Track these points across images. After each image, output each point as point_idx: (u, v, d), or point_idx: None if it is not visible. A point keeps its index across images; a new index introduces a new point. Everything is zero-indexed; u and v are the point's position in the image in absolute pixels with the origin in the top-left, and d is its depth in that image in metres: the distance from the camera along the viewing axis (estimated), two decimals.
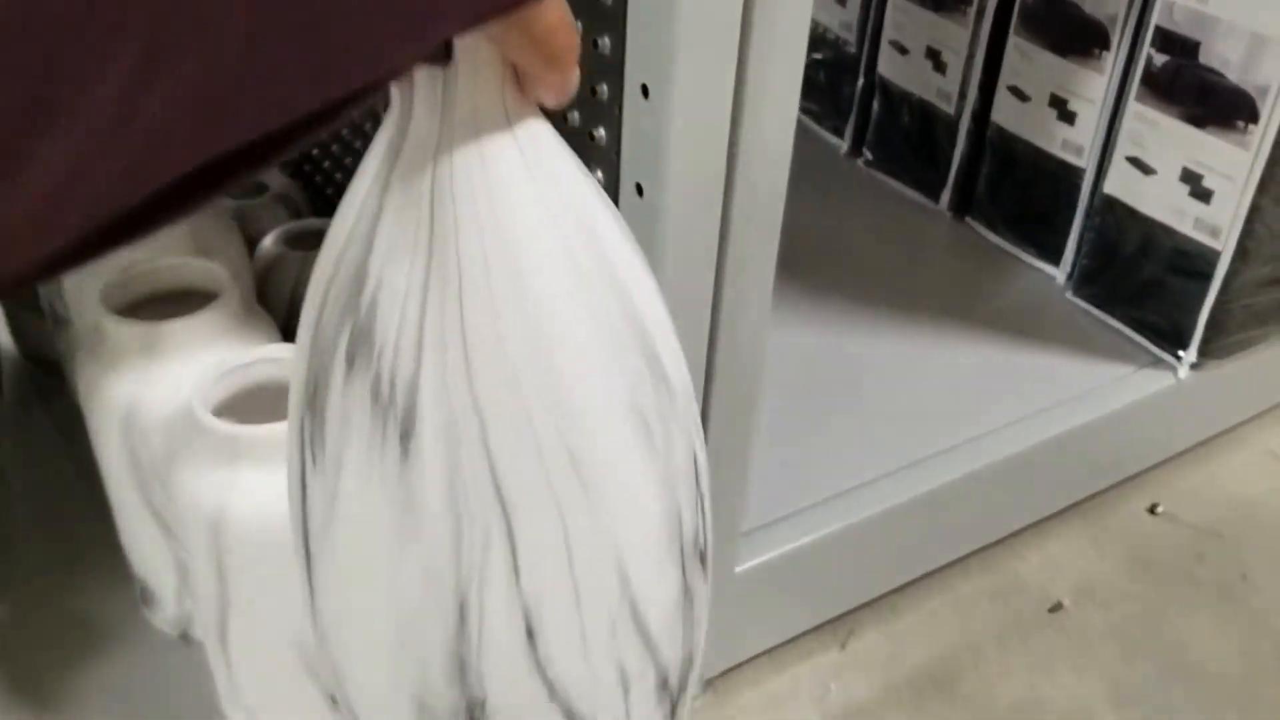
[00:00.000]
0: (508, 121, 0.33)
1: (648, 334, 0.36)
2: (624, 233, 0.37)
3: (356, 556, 0.37)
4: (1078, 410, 0.97)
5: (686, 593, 0.39)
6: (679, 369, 0.39)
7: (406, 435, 0.33)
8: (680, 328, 0.60)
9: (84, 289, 0.71)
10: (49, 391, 0.93)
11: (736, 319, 0.63)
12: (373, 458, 0.33)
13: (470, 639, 0.35)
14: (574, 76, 0.33)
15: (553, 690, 0.37)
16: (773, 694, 0.86)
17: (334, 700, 0.62)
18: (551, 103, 0.34)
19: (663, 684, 0.40)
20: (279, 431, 0.54)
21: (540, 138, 0.34)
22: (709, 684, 0.86)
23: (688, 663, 0.42)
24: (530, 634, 0.35)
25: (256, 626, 0.58)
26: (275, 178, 0.99)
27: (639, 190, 0.57)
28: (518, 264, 0.32)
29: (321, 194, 1.05)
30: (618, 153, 0.58)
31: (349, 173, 0.97)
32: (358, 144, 0.94)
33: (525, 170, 0.33)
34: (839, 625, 0.92)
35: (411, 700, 0.38)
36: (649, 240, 0.57)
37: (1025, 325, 1.07)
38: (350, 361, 0.33)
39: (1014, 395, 0.97)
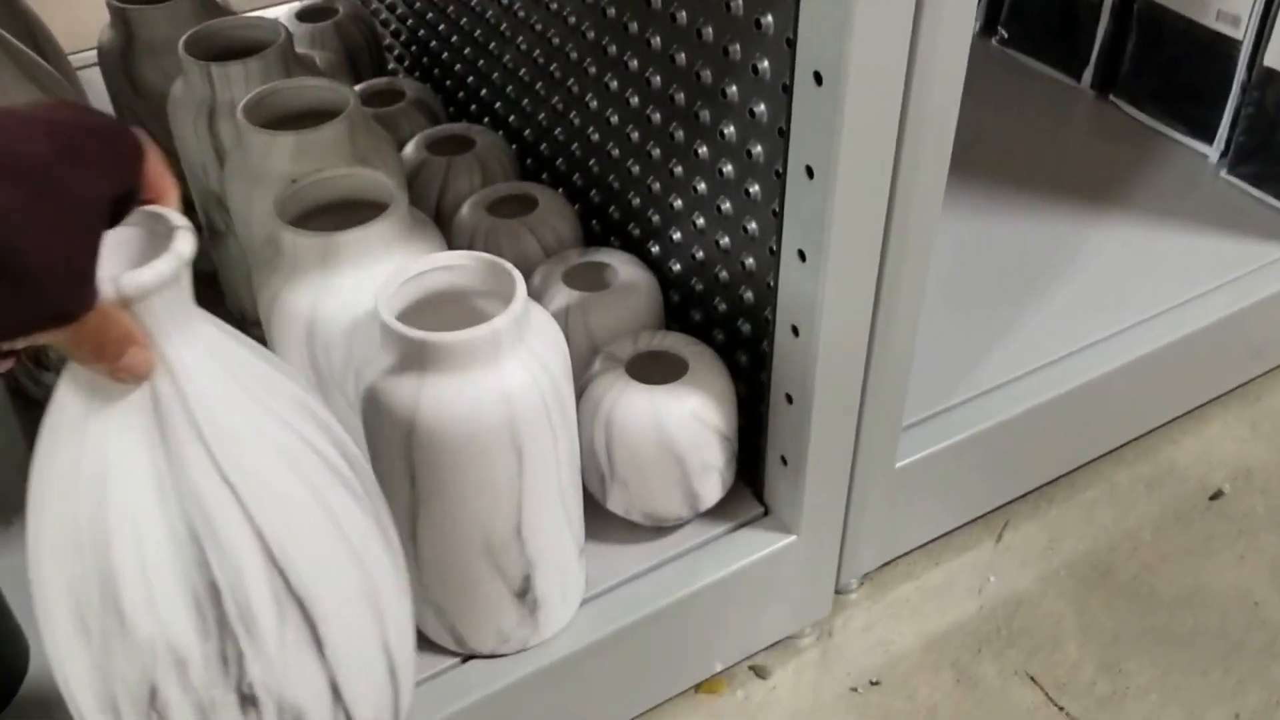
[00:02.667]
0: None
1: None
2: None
3: None
4: (1235, 294, 0.94)
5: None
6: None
7: None
8: (855, 219, 0.59)
9: (251, 201, 0.72)
10: (204, 303, 0.95)
11: (910, 213, 0.61)
12: None
13: None
14: (130, 363, 0.38)
15: None
16: (930, 586, 0.86)
17: (521, 596, 0.64)
18: (129, 381, 0.40)
19: None
20: (469, 338, 0.54)
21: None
22: (865, 578, 0.87)
23: None
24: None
25: (446, 526, 0.60)
26: (410, 84, 0.98)
27: (817, 79, 0.55)
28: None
29: (454, 98, 1.05)
30: (791, 40, 0.56)
31: (481, 76, 0.97)
32: (491, 46, 0.93)
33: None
34: (994, 518, 0.91)
35: None
36: (828, 130, 0.55)
37: (1177, 206, 1.03)
38: None
39: (1168, 280, 0.94)
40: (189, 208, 0.91)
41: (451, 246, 0.82)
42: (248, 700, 0.44)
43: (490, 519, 0.60)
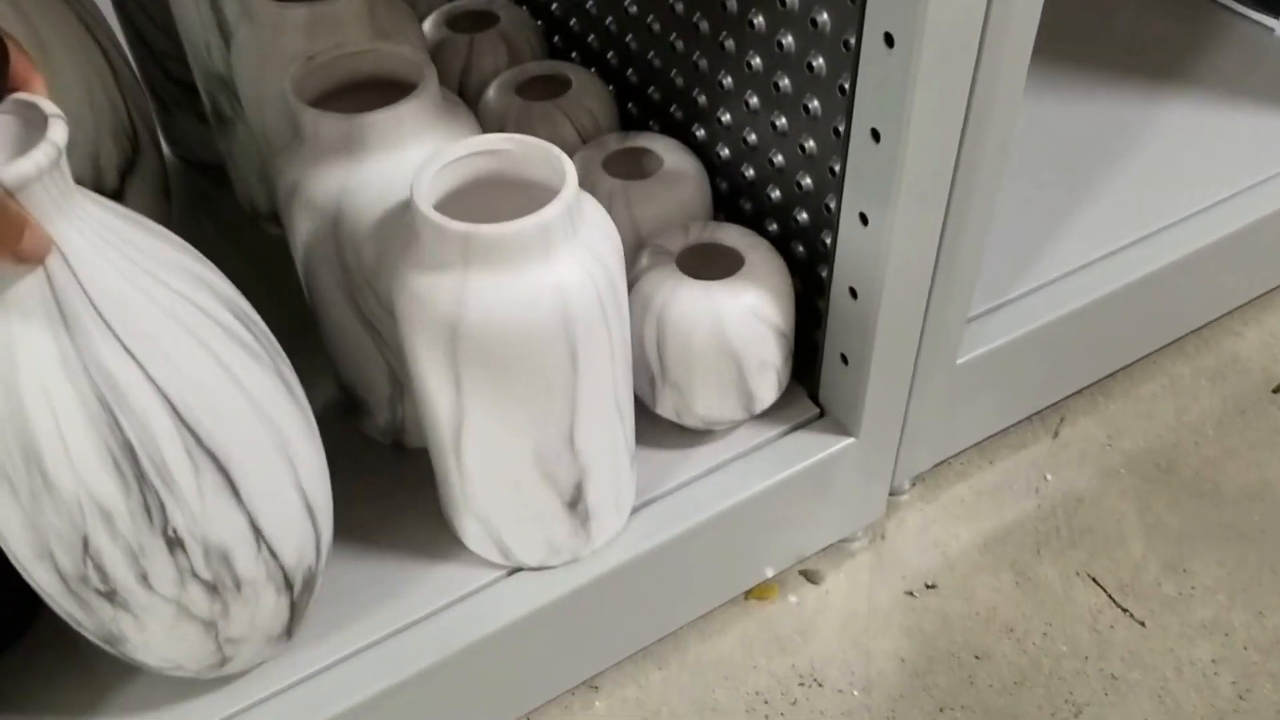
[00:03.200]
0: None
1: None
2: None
3: None
4: None
5: None
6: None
7: None
8: (939, 97, 0.54)
9: (262, 82, 0.66)
10: (211, 198, 0.90)
11: (994, 91, 0.56)
12: None
13: None
14: (28, 247, 0.40)
15: None
16: (986, 486, 0.83)
17: (572, 506, 0.60)
18: (31, 261, 0.41)
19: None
20: (519, 230, 0.49)
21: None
22: (918, 479, 0.83)
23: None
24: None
25: (494, 434, 0.55)
26: None
27: None
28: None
29: None
30: None
31: None
32: None
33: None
34: (1049, 415, 0.87)
35: None
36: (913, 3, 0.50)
37: (1242, 85, 0.97)
38: None
39: (1233, 163, 0.89)
40: (191, 92, 0.85)
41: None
42: (175, 543, 0.47)
43: (542, 426, 0.55)
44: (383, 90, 0.62)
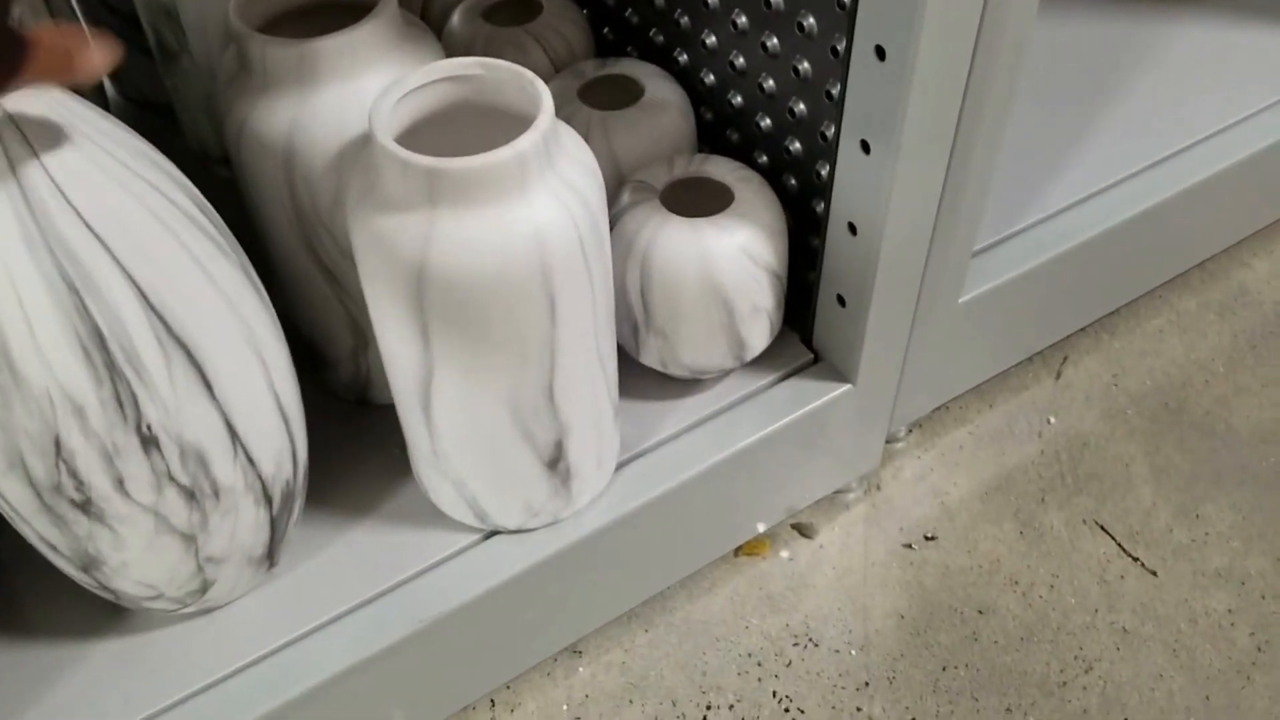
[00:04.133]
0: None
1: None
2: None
3: None
4: None
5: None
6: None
7: None
8: (950, 7, 0.49)
9: (205, 7, 0.60)
10: (159, 139, 0.84)
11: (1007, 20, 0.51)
12: None
13: None
14: (88, 61, 0.39)
15: None
16: (986, 431, 0.79)
17: (552, 465, 0.55)
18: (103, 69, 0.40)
19: None
20: (491, 163, 0.44)
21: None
22: (915, 425, 0.79)
23: None
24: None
25: (467, 388, 0.51)
26: None
27: None
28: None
29: None
30: None
31: None
32: None
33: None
34: (1051, 354, 0.83)
35: None
36: None
37: (1256, 3, 0.92)
38: None
39: (1244, 86, 0.84)
40: (133, 23, 0.79)
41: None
42: (149, 441, 0.45)
43: (518, 380, 0.51)
44: (337, 15, 0.56)
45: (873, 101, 0.53)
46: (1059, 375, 0.82)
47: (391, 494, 0.61)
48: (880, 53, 0.51)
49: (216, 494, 0.48)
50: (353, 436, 0.64)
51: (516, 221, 0.45)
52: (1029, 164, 0.78)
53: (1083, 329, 0.83)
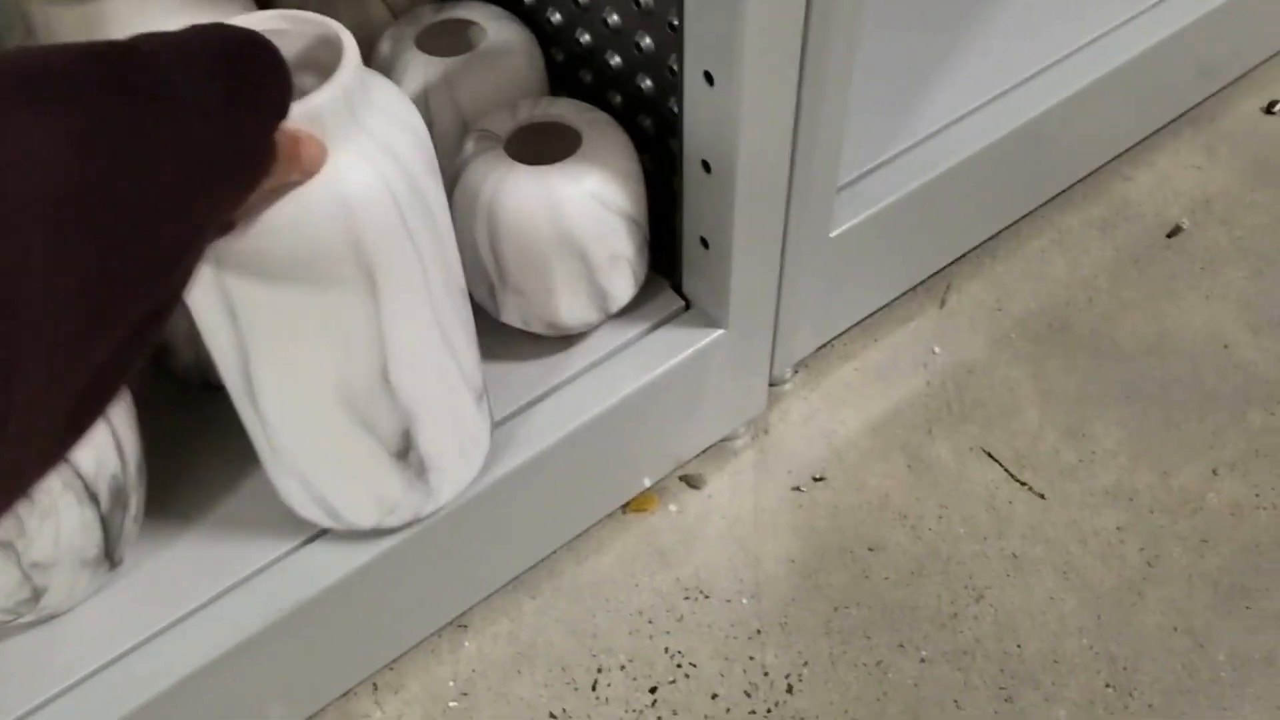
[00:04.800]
0: None
1: None
2: None
3: None
4: (1179, 7, 0.82)
5: None
6: None
7: None
8: None
9: None
10: None
11: None
12: None
13: None
14: (308, 160, 0.41)
15: None
16: (872, 366, 0.77)
17: (401, 456, 0.52)
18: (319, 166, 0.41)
19: None
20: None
21: None
22: (800, 366, 0.77)
23: None
24: None
25: (289, 376, 0.47)
26: None
27: None
28: None
29: None
30: None
31: None
32: None
33: None
34: (935, 283, 0.81)
35: None
36: None
37: None
38: None
39: (1103, 4, 0.82)
40: None
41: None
42: None
43: (344, 363, 0.47)
44: None
45: (710, 29, 0.50)
46: (943, 304, 0.80)
47: (243, 480, 0.58)
48: None
49: (29, 497, 0.45)
50: (201, 423, 0.60)
51: (315, 190, 0.42)
52: (895, 91, 0.75)
53: (966, 255, 0.82)
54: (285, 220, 0.41)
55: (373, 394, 0.48)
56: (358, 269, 0.43)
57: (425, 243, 0.46)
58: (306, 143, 0.40)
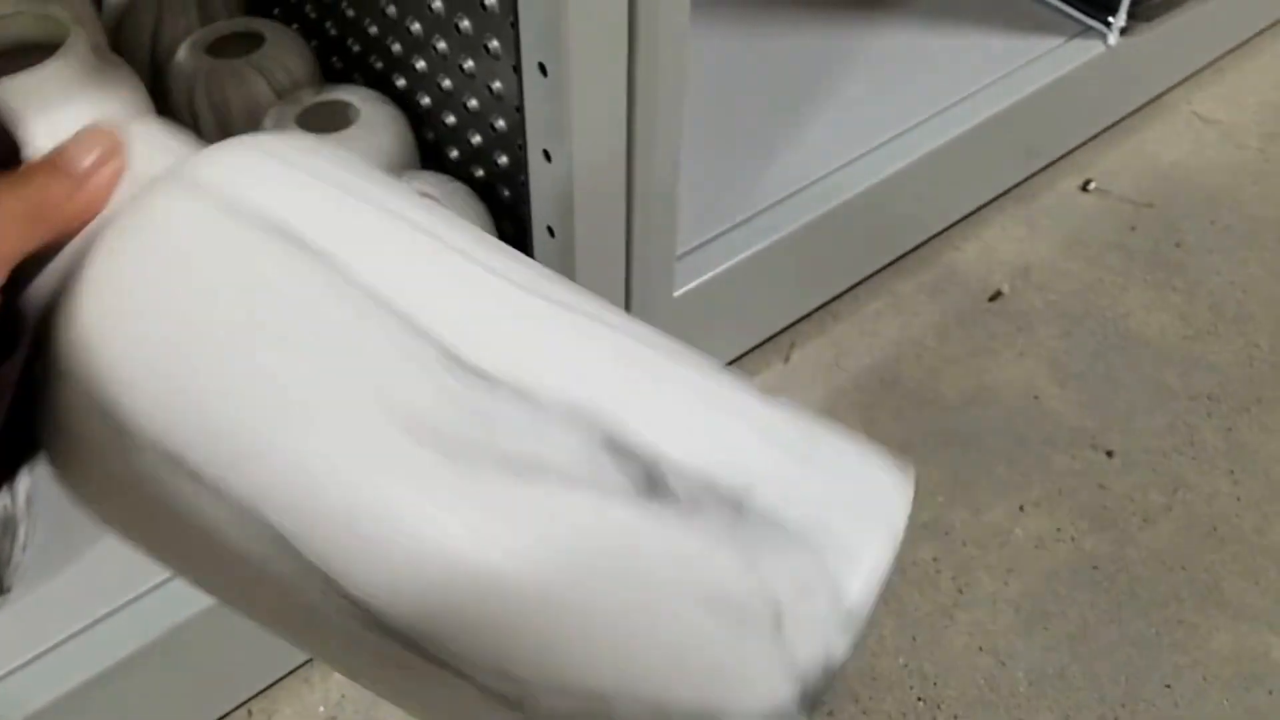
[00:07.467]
0: None
1: None
2: None
3: None
4: (1009, 88, 0.93)
5: None
6: None
7: None
8: (596, 26, 0.54)
9: None
10: None
11: (659, 17, 0.56)
12: None
13: None
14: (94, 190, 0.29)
15: None
16: None
17: None
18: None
19: None
20: None
21: None
22: None
23: None
24: None
25: None
26: None
27: None
28: None
29: None
30: None
31: None
32: None
33: None
34: (781, 340, 0.89)
35: None
36: None
37: (945, 5, 1.01)
38: None
39: (941, 81, 0.92)
40: None
41: (168, 95, 0.73)
42: None
43: None
44: (36, 55, 0.58)
45: (545, 113, 0.58)
46: (788, 359, 0.88)
47: None
48: (543, 69, 0.56)
49: None
50: None
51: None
52: (735, 168, 0.84)
53: (810, 314, 0.90)
54: None
55: None
56: None
57: None
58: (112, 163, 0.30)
